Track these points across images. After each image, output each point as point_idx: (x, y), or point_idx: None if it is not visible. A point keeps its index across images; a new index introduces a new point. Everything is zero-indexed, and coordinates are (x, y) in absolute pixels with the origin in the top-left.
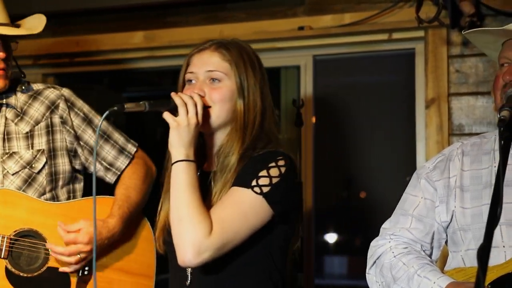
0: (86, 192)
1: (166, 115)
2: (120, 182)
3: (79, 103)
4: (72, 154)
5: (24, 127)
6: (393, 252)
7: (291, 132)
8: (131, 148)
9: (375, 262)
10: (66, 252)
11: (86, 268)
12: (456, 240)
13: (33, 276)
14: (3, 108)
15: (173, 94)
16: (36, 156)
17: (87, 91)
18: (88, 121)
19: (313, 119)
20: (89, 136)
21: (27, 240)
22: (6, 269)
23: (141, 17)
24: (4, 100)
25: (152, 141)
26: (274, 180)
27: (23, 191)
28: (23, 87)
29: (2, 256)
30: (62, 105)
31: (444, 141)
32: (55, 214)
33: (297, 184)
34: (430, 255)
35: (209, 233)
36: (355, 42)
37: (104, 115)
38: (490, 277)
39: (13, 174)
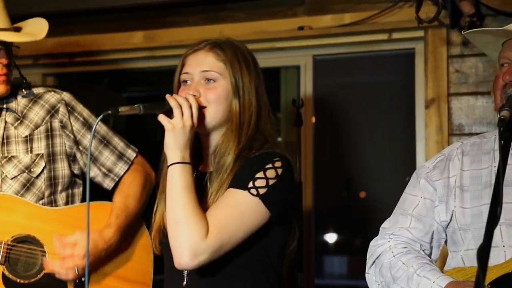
0: (85, 197)
1: (161, 118)
2: (118, 189)
3: (79, 107)
4: (71, 158)
5: (24, 131)
6: (392, 252)
7: (290, 132)
8: (131, 153)
9: (374, 261)
10: (63, 270)
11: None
12: (455, 240)
13: (30, 282)
14: (3, 112)
15: (167, 96)
16: (35, 160)
17: (87, 91)
18: (88, 126)
19: (313, 119)
20: (89, 141)
21: (24, 246)
22: (3, 275)
23: (141, 17)
24: (5, 104)
25: (152, 141)
26: (271, 182)
27: (22, 195)
28: (24, 92)
29: None
30: (62, 109)
31: (444, 141)
32: (52, 220)
33: (294, 185)
34: (429, 255)
35: (206, 236)
36: (355, 42)
37: (98, 118)
38: (490, 277)
39: (11, 178)
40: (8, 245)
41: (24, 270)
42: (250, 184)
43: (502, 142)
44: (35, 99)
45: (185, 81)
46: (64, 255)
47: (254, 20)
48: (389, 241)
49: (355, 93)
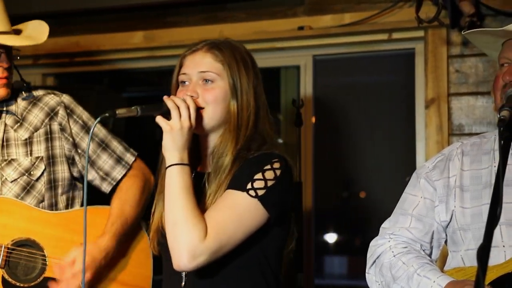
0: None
1: (159, 119)
2: (116, 195)
3: (79, 110)
4: (70, 161)
5: (23, 134)
6: (392, 252)
7: (290, 132)
8: (129, 157)
9: (374, 261)
10: None
11: None
12: (455, 239)
13: (30, 286)
14: (3, 115)
15: (165, 98)
16: (35, 163)
17: (87, 91)
18: (86, 129)
19: (313, 119)
20: (87, 145)
21: (24, 249)
22: (3, 279)
23: (141, 17)
24: (5, 107)
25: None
26: (269, 183)
27: (22, 198)
28: (24, 94)
29: None
30: (61, 112)
31: (444, 141)
32: (53, 224)
33: (292, 186)
34: (429, 255)
35: (204, 237)
36: (355, 42)
37: (96, 121)
38: (490, 276)
39: (11, 181)
40: (8, 248)
41: (24, 273)
42: (249, 186)
43: (502, 142)
44: (34, 101)
45: (183, 82)
46: (67, 278)
47: (254, 20)
48: (389, 241)
49: (355, 93)
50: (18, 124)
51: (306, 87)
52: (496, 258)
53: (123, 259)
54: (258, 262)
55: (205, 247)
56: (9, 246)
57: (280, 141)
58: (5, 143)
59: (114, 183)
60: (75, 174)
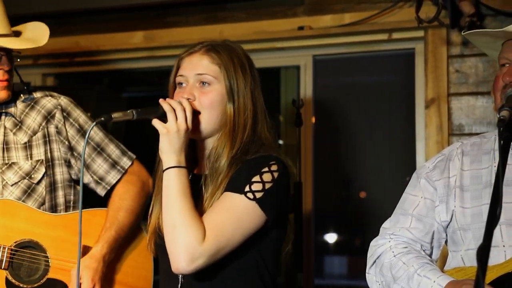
0: (86, 202)
1: (155, 122)
2: (110, 201)
3: (75, 113)
4: (66, 164)
5: (23, 137)
6: (393, 252)
7: (290, 132)
8: (126, 162)
9: (375, 261)
10: None
11: None
12: (456, 239)
13: (33, 287)
14: (3, 117)
15: (161, 101)
16: (35, 166)
17: (87, 91)
18: (82, 132)
19: (313, 119)
20: (83, 149)
21: (27, 251)
22: (7, 280)
23: (141, 17)
24: (4, 109)
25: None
26: (267, 186)
27: (23, 201)
28: (23, 97)
29: (2, 267)
30: (58, 115)
31: (444, 141)
32: (55, 225)
33: (290, 188)
34: (430, 255)
35: (203, 240)
36: (355, 42)
37: (91, 126)
38: (490, 276)
39: (12, 185)
40: (11, 250)
41: (27, 275)
42: (247, 188)
43: (502, 142)
44: (32, 104)
45: (180, 84)
46: None
47: (254, 20)
48: (389, 241)
49: (355, 93)
50: (17, 127)
51: (306, 87)
52: (496, 258)
53: (124, 261)
54: (256, 264)
55: (204, 250)
56: (12, 247)
57: (281, 142)
58: (5, 147)
59: (109, 188)
60: (73, 176)
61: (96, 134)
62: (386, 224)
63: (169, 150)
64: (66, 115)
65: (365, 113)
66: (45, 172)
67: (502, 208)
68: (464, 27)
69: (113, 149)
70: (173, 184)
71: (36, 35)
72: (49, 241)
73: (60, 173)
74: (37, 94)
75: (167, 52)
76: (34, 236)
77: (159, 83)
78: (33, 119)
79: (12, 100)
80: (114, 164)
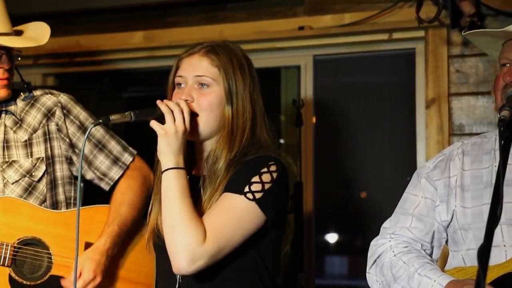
0: (87, 198)
1: (153, 124)
2: (113, 197)
3: (76, 110)
4: (68, 161)
5: (23, 135)
6: (393, 251)
7: (291, 133)
8: (127, 158)
9: (375, 261)
10: None
11: None
12: (456, 239)
13: (36, 284)
14: (3, 115)
15: (158, 102)
16: (35, 164)
17: (87, 91)
18: (83, 129)
19: (314, 119)
20: (82, 149)
21: (30, 248)
22: (10, 277)
23: (141, 17)
24: (4, 107)
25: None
26: (267, 186)
27: (24, 199)
28: (23, 95)
29: (6, 264)
30: (58, 112)
31: (444, 141)
32: (57, 222)
33: (288, 189)
34: (430, 255)
35: (203, 240)
36: (355, 42)
37: (89, 129)
38: (491, 276)
39: (13, 183)
40: (14, 247)
41: (30, 272)
42: (246, 189)
43: (502, 142)
44: (32, 102)
45: (179, 84)
46: None
47: (254, 20)
48: (390, 241)
49: (356, 93)
50: (17, 125)
51: (307, 87)
52: (496, 257)
53: (126, 257)
54: (255, 265)
55: (204, 251)
56: (15, 245)
57: (282, 141)
58: (5, 145)
59: (112, 183)
60: (75, 173)
61: (97, 131)
62: (386, 224)
63: (168, 152)
64: (67, 113)
65: (366, 113)
66: (46, 170)
67: (502, 208)
68: (464, 27)
69: (114, 146)
70: (172, 186)
71: (37, 34)
72: (51, 238)
73: (61, 170)
74: (37, 92)
75: (167, 52)
76: (36, 233)
77: (159, 83)
78: (33, 117)
79: (12, 98)
80: (116, 160)
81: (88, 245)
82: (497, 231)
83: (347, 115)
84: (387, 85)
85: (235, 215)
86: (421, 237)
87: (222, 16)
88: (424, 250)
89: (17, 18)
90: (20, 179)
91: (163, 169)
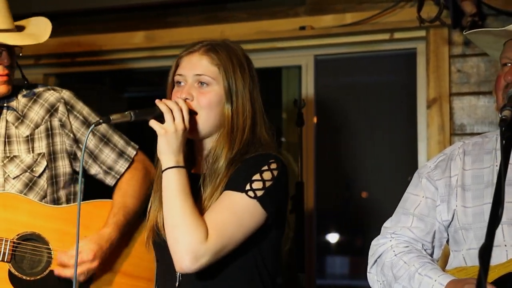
0: (87, 194)
1: (153, 123)
2: (117, 188)
3: (79, 105)
4: (72, 157)
5: (25, 131)
6: (394, 251)
7: (292, 132)
8: (131, 151)
9: (376, 261)
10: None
11: None
12: (457, 239)
13: (36, 280)
14: (4, 111)
15: (157, 101)
16: (36, 159)
17: (88, 91)
18: (87, 124)
19: (315, 119)
20: (89, 140)
21: (29, 243)
22: (9, 273)
23: (142, 17)
24: (5, 103)
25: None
26: (267, 184)
27: (24, 195)
28: (25, 91)
29: (5, 260)
30: (61, 108)
31: (445, 141)
32: (56, 218)
33: (288, 186)
34: (431, 254)
35: (206, 238)
36: (356, 42)
37: (90, 129)
38: (492, 276)
39: (14, 178)
40: (14, 243)
41: (29, 267)
42: (247, 187)
43: (504, 141)
44: (35, 98)
45: (179, 82)
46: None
47: (255, 20)
48: (390, 240)
49: (357, 93)
50: (19, 121)
51: (308, 87)
52: (498, 257)
53: (127, 250)
54: (255, 263)
55: (207, 249)
56: (14, 240)
57: (283, 139)
58: (6, 140)
59: (118, 177)
60: (78, 168)
61: (101, 126)
62: (387, 224)
63: (168, 151)
64: (70, 108)
65: (367, 113)
66: (47, 165)
67: (504, 208)
68: (465, 27)
69: (118, 140)
70: (173, 184)
71: (38, 30)
72: (51, 233)
73: (63, 166)
74: (38, 89)
75: (168, 52)
76: (36, 228)
77: (160, 83)
78: (36, 113)
79: (13, 94)
80: (121, 153)
81: None
82: (498, 231)
83: (348, 115)
84: (388, 85)
85: (236, 212)
86: (422, 237)
87: (223, 16)
88: (425, 250)
89: (17, 18)
90: (21, 174)
91: (163, 168)
